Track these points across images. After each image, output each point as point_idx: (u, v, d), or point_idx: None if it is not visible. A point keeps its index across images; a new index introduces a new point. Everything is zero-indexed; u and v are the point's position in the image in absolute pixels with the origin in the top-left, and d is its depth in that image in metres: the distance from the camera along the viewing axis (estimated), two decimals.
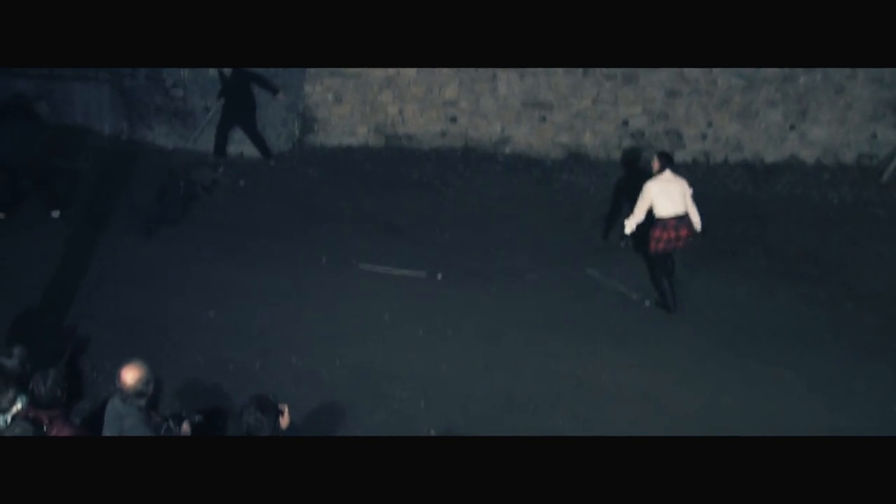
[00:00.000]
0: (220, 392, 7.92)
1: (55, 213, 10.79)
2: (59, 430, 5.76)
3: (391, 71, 13.76)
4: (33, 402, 5.85)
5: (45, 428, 5.23)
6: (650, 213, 9.59)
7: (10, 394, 6.19)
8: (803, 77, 13.50)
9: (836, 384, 8.46)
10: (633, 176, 13.20)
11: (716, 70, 13.46)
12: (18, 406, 6.15)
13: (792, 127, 13.86)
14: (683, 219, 9.50)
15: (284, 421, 5.67)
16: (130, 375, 5.80)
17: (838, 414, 7.98)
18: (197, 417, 6.39)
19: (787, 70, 13.40)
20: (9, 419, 6.07)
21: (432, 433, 7.67)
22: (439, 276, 10.13)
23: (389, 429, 7.55)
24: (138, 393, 5.81)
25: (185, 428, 6.14)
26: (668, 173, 9.51)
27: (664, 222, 9.44)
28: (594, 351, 8.87)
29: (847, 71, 13.44)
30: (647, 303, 9.75)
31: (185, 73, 13.18)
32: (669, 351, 8.92)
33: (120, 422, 5.83)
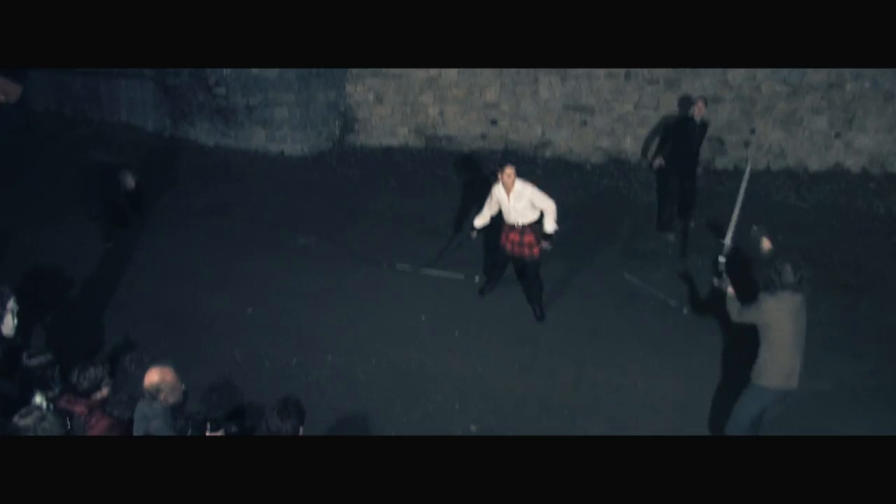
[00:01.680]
0: (256, 389, 7.97)
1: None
2: (98, 420, 5.85)
3: (432, 72, 13.80)
4: (73, 391, 5.94)
5: (69, 423, 5.26)
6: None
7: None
8: (850, 84, 13.29)
9: (878, 398, 8.30)
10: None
11: (760, 76, 13.31)
12: (37, 401, 6.21)
13: (837, 135, 13.65)
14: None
15: None
16: (147, 378, 5.87)
17: (880, 427, 7.83)
18: (233, 428, 6.42)
19: (833, 77, 13.22)
20: (47, 407, 6.17)
21: (473, 429, 7.66)
22: (477, 279, 10.11)
23: (424, 429, 7.56)
24: (151, 396, 5.85)
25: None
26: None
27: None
28: (631, 357, 8.79)
29: None
30: (686, 310, 9.65)
31: (227, 71, 13.31)
32: (707, 359, 8.81)
33: (147, 422, 5.89)
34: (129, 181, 10.61)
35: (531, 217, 9.10)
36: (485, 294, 9.81)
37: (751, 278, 8.13)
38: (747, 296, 7.31)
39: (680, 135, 11.39)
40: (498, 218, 9.37)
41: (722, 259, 7.73)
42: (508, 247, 9.33)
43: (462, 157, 13.76)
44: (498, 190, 9.12)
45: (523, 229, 9.15)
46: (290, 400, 5.73)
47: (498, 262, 9.77)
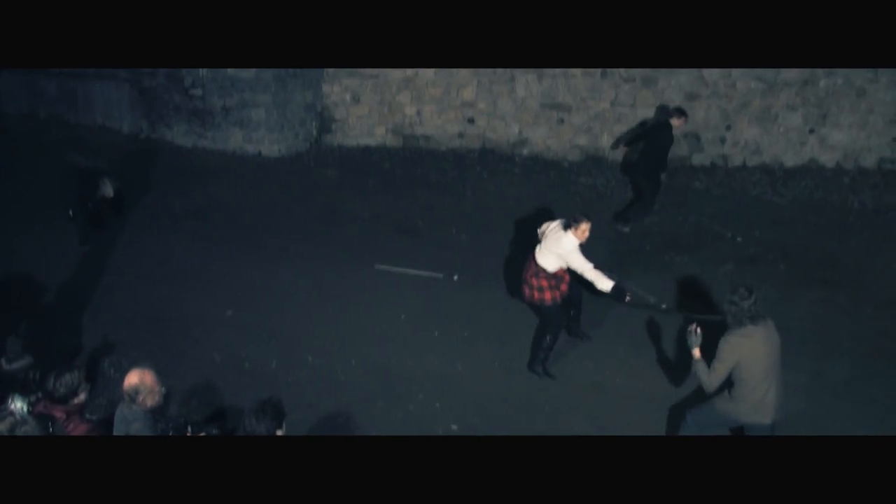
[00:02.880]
0: (237, 391, 7.94)
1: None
2: (76, 426, 5.80)
3: (409, 72, 13.79)
4: (49, 398, 5.89)
5: (50, 426, 5.23)
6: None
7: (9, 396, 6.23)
8: (824, 81, 13.41)
9: (855, 391, 8.39)
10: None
11: (735, 73, 13.40)
12: (17, 406, 6.16)
13: (812, 131, 13.78)
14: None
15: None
16: (127, 381, 5.85)
17: (857, 421, 7.91)
18: (213, 431, 6.40)
19: (807, 74, 13.33)
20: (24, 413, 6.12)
21: (454, 429, 7.68)
22: (456, 278, 10.13)
23: (405, 429, 7.57)
24: (130, 399, 5.83)
25: None
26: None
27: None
28: (611, 354, 8.83)
29: (869, 75, 13.36)
30: (665, 306, 9.70)
31: (203, 72, 13.25)
32: (687, 355, 8.85)
33: (127, 426, 5.86)
34: (108, 189, 10.52)
35: (551, 264, 8.40)
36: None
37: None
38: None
39: (654, 138, 11.65)
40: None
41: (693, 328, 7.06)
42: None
43: (440, 156, 13.77)
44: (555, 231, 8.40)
45: (537, 271, 8.47)
46: (268, 401, 5.72)
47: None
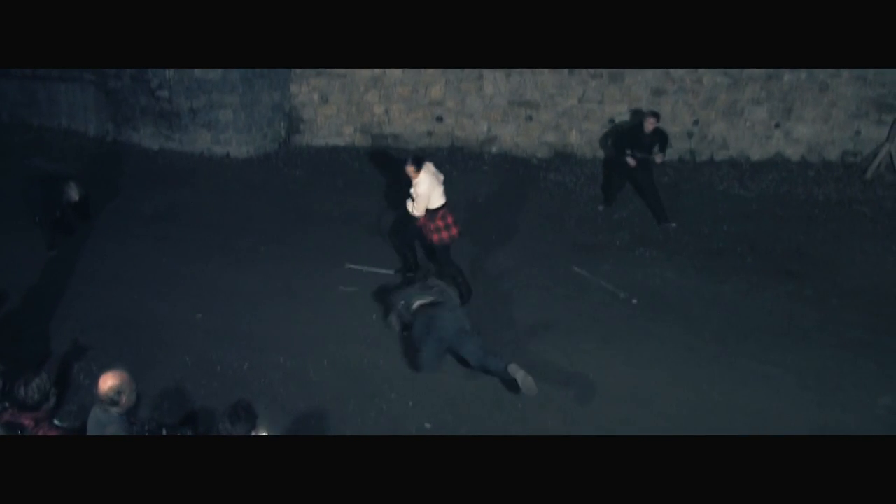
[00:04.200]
0: (208, 393, 7.91)
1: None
2: (45, 433, 5.76)
3: (377, 71, 13.77)
4: (18, 405, 5.83)
5: (25, 432, 5.19)
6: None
7: None
8: (788, 75, 13.58)
9: (823, 381, 8.49)
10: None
11: (701, 69, 13.52)
12: None
13: (777, 125, 13.94)
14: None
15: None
16: (105, 384, 5.81)
17: (826, 411, 8.02)
18: (187, 432, 6.38)
19: (771, 69, 13.48)
20: None
21: (428, 427, 7.69)
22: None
23: (379, 428, 7.57)
24: (111, 401, 5.80)
25: None
26: (431, 166, 9.51)
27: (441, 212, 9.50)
28: (581, 349, 8.88)
29: (831, 69, 13.54)
30: (635, 301, 9.77)
31: (170, 74, 13.15)
32: (657, 349, 8.94)
33: (101, 430, 5.83)
34: (73, 194, 10.42)
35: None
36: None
37: None
38: None
39: (629, 140, 11.89)
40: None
41: None
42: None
43: (409, 155, 13.75)
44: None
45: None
46: (240, 404, 5.72)
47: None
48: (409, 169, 9.36)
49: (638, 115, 12.94)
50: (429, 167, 9.41)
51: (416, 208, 9.44)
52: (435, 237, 9.52)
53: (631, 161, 11.74)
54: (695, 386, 8.37)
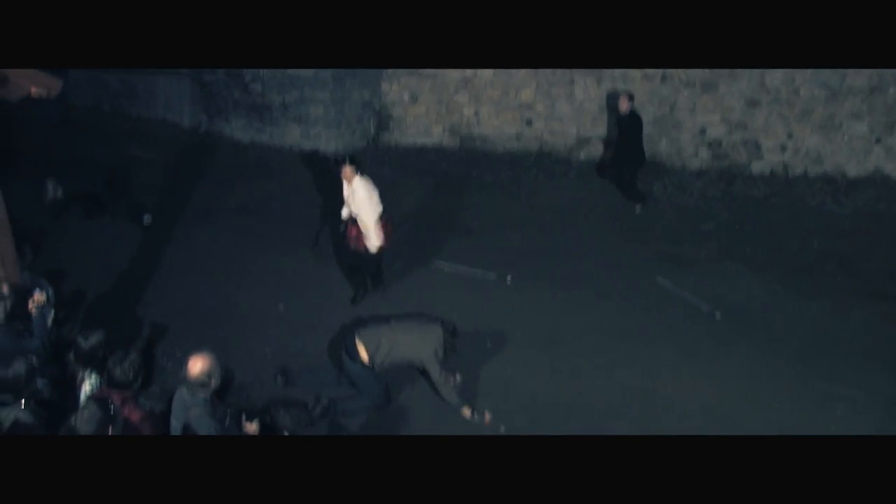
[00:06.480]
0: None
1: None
2: (130, 412, 5.91)
3: (468, 72, 13.78)
4: (108, 383, 6.01)
5: (112, 409, 5.34)
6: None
7: (80, 373, 6.40)
8: (893, 88, 13.09)
9: None
10: (710, 185, 13.04)
11: (798, 80, 13.16)
12: (87, 387, 6.34)
13: (878, 140, 13.45)
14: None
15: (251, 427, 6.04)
16: (195, 366, 5.93)
17: None
18: (267, 418, 6.49)
19: (875, 80, 13.01)
20: (83, 396, 6.27)
21: (502, 430, 7.67)
22: (508, 279, 10.11)
23: (454, 429, 7.55)
24: (201, 384, 5.93)
25: (252, 427, 6.23)
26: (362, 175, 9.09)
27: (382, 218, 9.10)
28: (660, 361, 8.74)
29: None
30: (718, 315, 9.58)
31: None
32: (737, 365, 8.75)
33: (186, 411, 5.97)
34: (54, 192, 10.69)
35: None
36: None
37: None
38: None
39: (614, 128, 12.37)
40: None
41: None
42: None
43: (496, 158, 13.74)
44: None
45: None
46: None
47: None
48: (347, 171, 8.98)
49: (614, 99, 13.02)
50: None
51: (365, 214, 8.97)
52: (367, 244, 9.16)
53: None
54: (773, 405, 8.16)
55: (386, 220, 9.11)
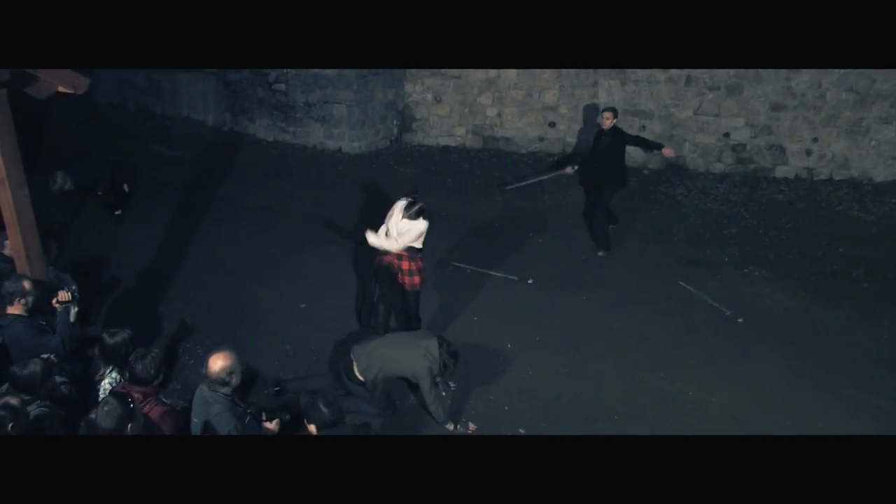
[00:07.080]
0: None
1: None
2: (151, 408, 5.95)
3: (491, 73, 13.80)
4: (130, 379, 6.05)
5: (132, 405, 5.37)
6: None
7: (102, 369, 6.45)
8: None
9: None
10: (733, 189, 12.96)
11: (825, 84, 13.08)
12: (107, 382, 6.38)
13: None
14: None
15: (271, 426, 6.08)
16: (216, 364, 5.96)
17: None
18: (286, 417, 6.49)
19: None
20: (102, 392, 6.31)
21: (521, 432, 7.64)
22: (530, 281, 10.09)
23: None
24: (221, 381, 5.96)
25: (272, 425, 6.25)
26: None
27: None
28: (682, 365, 8.68)
29: None
30: (740, 319, 9.51)
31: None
32: (760, 371, 8.67)
33: (207, 408, 5.99)
34: (63, 183, 10.74)
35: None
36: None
37: None
38: None
39: (593, 145, 11.09)
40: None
41: None
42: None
43: (519, 159, 13.73)
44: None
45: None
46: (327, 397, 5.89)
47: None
48: (416, 209, 8.51)
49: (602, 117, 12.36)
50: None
51: (397, 243, 8.54)
52: (407, 280, 8.74)
53: (568, 170, 11.36)
54: (796, 412, 8.08)
55: (420, 257, 8.75)
